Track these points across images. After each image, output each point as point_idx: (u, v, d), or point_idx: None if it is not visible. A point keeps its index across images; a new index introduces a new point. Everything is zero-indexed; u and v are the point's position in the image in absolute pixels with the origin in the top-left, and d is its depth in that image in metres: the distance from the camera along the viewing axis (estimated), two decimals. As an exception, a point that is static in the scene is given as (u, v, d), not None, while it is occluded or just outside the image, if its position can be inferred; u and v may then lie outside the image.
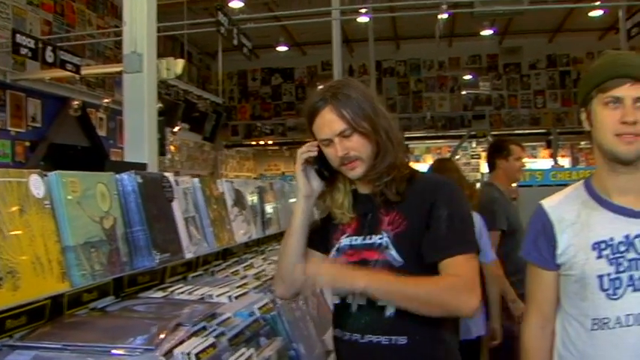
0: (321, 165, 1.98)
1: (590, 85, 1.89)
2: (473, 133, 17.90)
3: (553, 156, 17.81)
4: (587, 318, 1.90)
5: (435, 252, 1.80)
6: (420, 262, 1.82)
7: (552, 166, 14.29)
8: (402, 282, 1.80)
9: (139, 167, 2.77)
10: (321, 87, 1.98)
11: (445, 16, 10.08)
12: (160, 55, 5.47)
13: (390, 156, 1.87)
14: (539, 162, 18.67)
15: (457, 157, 18.91)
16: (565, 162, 19.31)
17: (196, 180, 2.97)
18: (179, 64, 5.47)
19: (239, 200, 3.46)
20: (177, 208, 2.62)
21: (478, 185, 7.55)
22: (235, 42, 8.43)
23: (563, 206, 1.99)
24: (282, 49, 18.67)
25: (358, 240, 1.94)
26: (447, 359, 1.90)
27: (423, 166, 13.81)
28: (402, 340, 1.81)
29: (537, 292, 2.06)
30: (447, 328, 1.88)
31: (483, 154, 21.13)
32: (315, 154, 1.96)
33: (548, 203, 2.03)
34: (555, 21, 17.89)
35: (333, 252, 2.01)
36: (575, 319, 1.95)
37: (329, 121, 1.88)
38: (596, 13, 16.10)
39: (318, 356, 2.55)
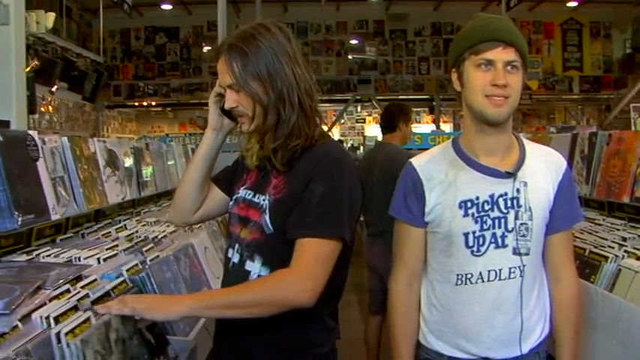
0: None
1: (463, 47, 1.93)
2: (358, 97, 18.10)
3: (435, 121, 18.33)
4: (452, 274, 1.98)
5: (293, 228, 1.71)
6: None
7: (432, 130, 14.68)
8: (226, 293, 1.79)
9: (2, 125, 2.64)
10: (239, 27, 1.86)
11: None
12: (34, 7, 5.19)
13: (286, 123, 1.77)
14: (423, 127, 19.17)
15: (342, 121, 19.13)
16: (447, 127, 19.90)
17: (65, 139, 2.85)
18: (50, 18, 5.21)
19: (112, 160, 3.36)
20: (43, 168, 2.52)
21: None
22: (115, -3, 8.11)
23: (431, 165, 2.04)
24: (166, 7, 18.17)
25: (250, 195, 1.89)
26: (304, 333, 1.82)
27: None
28: None
29: (405, 249, 2.11)
30: (314, 306, 1.73)
31: (368, 118, 21.58)
32: (222, 90, 1.89)
33: (418, 162, 2.07)
34: (441, -11, 18.29)
35: (232, 201, 1.98)
36: (441, 275, 2.02)
37: (221, 72, 1.82)
38: (480, -17, 16.57)
39: (191, 319, 2.53)
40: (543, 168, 1.99)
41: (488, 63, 1.87)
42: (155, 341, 2.02)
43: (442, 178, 2.00)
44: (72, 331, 1.65)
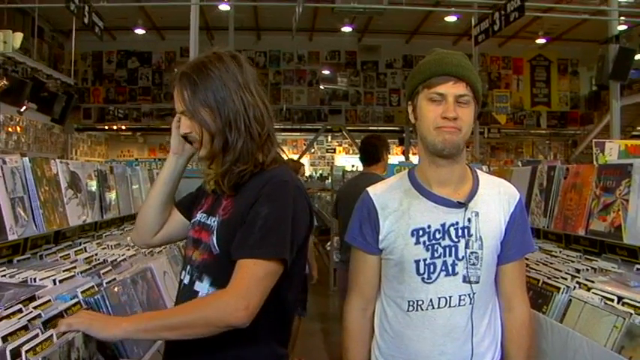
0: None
1: (417, 81, 1.99)
2: (329, 127, 18.20)
3: (405, 153, 18.46)
4: (404, 300, 2.01)
5: (235, 249, 1.73)
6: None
7: (400, 162, 14.78)
8: (162, 315, 1.85)
9: (-38, 144, 2.62)
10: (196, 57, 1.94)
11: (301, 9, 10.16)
12: (4, 27, 5.18)
13: (233, 149, 1.81)
14: (392, 158, 19.27)
15: (312, 150, 19.21)
16: (416, 159, 20.01)
17: (26, 159, 2.84)
18: (17, 38, 5.21)
19: (74, 182, 3.34)
20: (1, 187, 2.51)
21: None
22: (86, 20, 8.12)
23: (387, 194, 2.08)
24: (139, 32, 18.19)
25: (204, 218, 1.92)
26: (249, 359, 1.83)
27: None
28: None
29: (360, 276, 2.14)
30: (262, 327, 1.77)
31: (338, 148, 21.69)
32: None
33: (374, 191, 2.11)
34: (413, 23, 18.56)
35: (190, 225, 2.00)
36: (393, 300, 2.05)
37: (175, 99, 1.88)
38: (451, 18, 16.87)
39: (144, 342, 2.52)
40: (496, 199, 2.03)
41: (439, 96, 1.92)
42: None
43: (396, 206, 2.04)
44: (33, 348, 1.63)
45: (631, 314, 2.12)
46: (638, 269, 2.68)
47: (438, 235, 1.97)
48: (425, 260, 1.97)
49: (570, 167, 3.44)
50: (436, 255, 1.97)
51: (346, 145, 20.98)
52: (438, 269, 1.97)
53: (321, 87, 20.39)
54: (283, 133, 20.45)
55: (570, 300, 2.46)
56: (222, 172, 1.83)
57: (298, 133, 20.48)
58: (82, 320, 1.72)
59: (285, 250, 1.71)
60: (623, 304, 2.25)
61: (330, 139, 20.64)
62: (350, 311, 2.16)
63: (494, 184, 2.09)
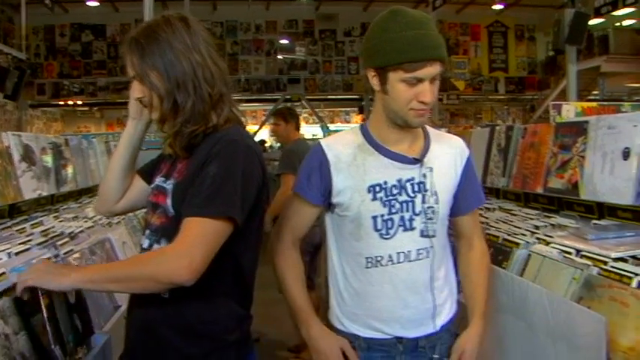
0: None
1: (391, 60, 1.92)
2: (288, 97, 18.11)
3: (364, 121, 18.46)
4: (362, 257, 2.03)
5: (184, 208, 1.72)
6: None
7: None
8: (109, 267, 1.91)
9: None
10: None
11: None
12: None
13: (182, 110, 1.80)
14: (353, 126, 19.31)
15: (271, 120, 19.12)
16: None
17: (-24, 133, 2.77)
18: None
19: (28, 155, 3.28)
20: (-50, 161, 2.44)
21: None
22: (36, -8, 7.90)
23: (340, 147, 2.08)
24: (92, 4, 17.78)
25: (161, 182, 1.91)
26: (211, 321, 1.81)
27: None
28: (165, 293, 1.76)
29: (295, 217, 2.18)
30: (219, 290, 1.81)
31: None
32: None
33: (327, 143, 2.12)
34: (371, -10, 18.49)
35: (150, 190, 2.00)
36: (352, 258, 2.07)
37: (126, 64, 1.88)
38: (409, -16, 16.86)
39: (106, 310, 2.50)
40: (448, 154, 2.08)
41: (415, 79, 1.89)
42: (82, 328, 2.04)
43: (350, 160, 2.04)
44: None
45: (588, 266, 2.16)
46: (595, 224, 2.71)
47: (395, 191, 2.00)
48: (382, 216, 1.99)
49: (528, 127, 3.47)
50: (393, 211, 1.99)
51: (306, 115, 20.90)
52: (396, 225, 1.99)
53: (279, 57, 20.23)
54: (243, 104, 19.86)
55: (530, 255, 2.49)
56: (174, 133, 1.83)
57: (257, 104, 20.32)
58: (33, 276, 1.73)
59: (233, 209, 1.70)
60: (582, 256, 2.29)
61: (289, 109, 20.55)
62: (282, 243, 2.18)
63: (444, 140, 2.13)
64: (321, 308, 2.16)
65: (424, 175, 2.00)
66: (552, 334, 2.04)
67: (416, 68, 1.88)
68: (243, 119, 1.97)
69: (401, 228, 1.99)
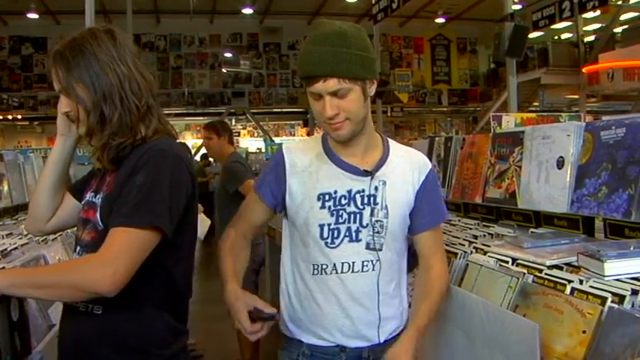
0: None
1: (299, 73, 1.97)
2: (232, 110, 18.07)
3: (310, 134, 18.55)
4: (309, 263, 2.03)
5: (110, 219, 1.70)
6: None
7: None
8: (33, 272, 1.89)
9: None
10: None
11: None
12: None
13: (109, 122, 1.78)
14: (297, 140, 19.37)
15: (203, 134, 19.03)
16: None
17: None
18: None
19: (-41, 170, 3.18)
20: None
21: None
22: (-29, 4, 7.72)
23: (298, 153, 2.09)
24: (33, 16, 17.52)
25: (91, 197, 1.88)
26: (146, 336, 1.79)
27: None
28: (98, 309, 1.75)
29: (249, 213, 2.18)
30: (152, 303, 1.79)
31: (243, 131, 21.58)
32: None
33: (288, 147, 2.14)
34: (315, 4, 18.61)
35: (80, 207, 1.96)
36: (302, 263, 2.07)
37: (52, 78, 1.85)
38: (353, -2, 17.02)
39: (40, 329, 2.43)
40: (406, 168, 2.06)
41: (317, 95, 1.91)
42: (21, 347, 1.99)
43: (305, 166, 2.05)
44: None
45: (524, 274, 2.18)
46: (532, 232, 2.75)
47: (343, 201, 2.00)
48: (329, 225, 1.99)
49: (466, 137, 3.50)
50: (340, 220, 1.99)
51: (250, 129, 20.88)
52: (342, 235, 1.99)
53: (224, 70, 20.21)
54: (187, 118, 20.21)
55: (467, 264, 2.51)
56: (101, 146, 1.80)
57: (202, 118, 20.20)
58: None
59: (159, 219, 1.67)
60: (517, 264, 2.31)
61: (234, 123, 20.48)
62: (233, 230, 2.17)
63: (405, 154, 2.11)
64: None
65: (375, 188, 2.00)
66: (489, 343, 2.05)
67: (310, 83, 1.90)
68: (173, 131, 1.95)
69: (347, 239, 1.99)
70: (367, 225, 1.99)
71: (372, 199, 2.00)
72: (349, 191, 2.00)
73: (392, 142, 2.14)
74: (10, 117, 19.27)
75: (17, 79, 19.20)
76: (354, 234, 1.99)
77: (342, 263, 1.99)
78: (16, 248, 2.97)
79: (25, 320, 2.06)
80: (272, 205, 2.10)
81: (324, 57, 1.86)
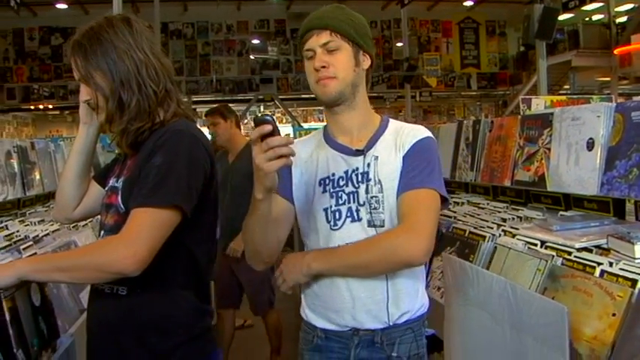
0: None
1: (299, 45, 2.05)
2: (260, 97, 18.09)
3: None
4: (319, 247, 2.03)
5: (130, 201, 1.73)
6: None
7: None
8: (55, 257, 1.95)
9: None
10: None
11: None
12: None
13: (127, 107, 1.82)
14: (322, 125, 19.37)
15: (245, 121, 19.10)
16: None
17: (-64, 136, 2.73)
18: None
19: (-9, 159, 3.23)
20: None
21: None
22: (1, -6, 7.81)
23: (302, 146, 2.12)
24: (61, 6, 17.68)
25: (114, 182, 1.92)
26: (172, 315, 1.81)
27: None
28: (123, 290, 1.79)
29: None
30: (175, 283, 1.82)
31: (272, 118, 21.58)
32: None
33: (295, 142, 2.12)
34: (341, -12, 18.50)
35: (104, 193, 1.99)
36: (312, 248, 2.09)
37: (72, 68, 1.89)
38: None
39: (72, 314, 2.47)
40: (396, 141, 2.02)
41: (311, 52, 1.97)
42: (47, 331, 2.02)
43: (307, 157, 2.09)
44: None
45: (553, 256, 2.17)
46: (561, 215, 2.73)
47: (341, 183, 2.01)
48: (331, 207, 2.01)
49: (495, 120, 3.48)
50: (340, 202, 2.00)
51: (279, 115, 20.90)
52: (344, 216, 2.00)
53: (251, 57, 20.24)
54: (215, 105, 20.20)
55: (495, 247, 2.50)
56: (120, 131, 1.84)
57: (230, 105, 20.30)
58: None
59: (179, 198, 1.70)
60: (546, 247, 2.30)
61: (262, 109, 20.52)
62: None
63: (399, 130, 2.07)
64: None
65: (368, 165, 1.99)
66: (517, 326, 2.04)
67: (305, 40, 1.98)
68: (192, 115, 1.99)
69: (349, 219, 1.99)
70: (364, 203, 1.98)
71: (365, 176, 1.99)
72: (346, 172, 2.01)
73: (393, 122, 2.12)
74: (41, 107, 19.50)
75: (47, 69, 19.40)
76: (355, 214, 1.99)
77: (347, 244, 1.97)
78: (47, 234, 3.03)
79: (48, 305, 2.09)
80: (288, 197, 2.07)
81: (321, 15, 1.98)
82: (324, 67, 1.93)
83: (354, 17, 2.01)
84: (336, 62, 1.94)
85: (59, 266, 1.70)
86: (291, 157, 1.90)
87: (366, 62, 2.03)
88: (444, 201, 1.99)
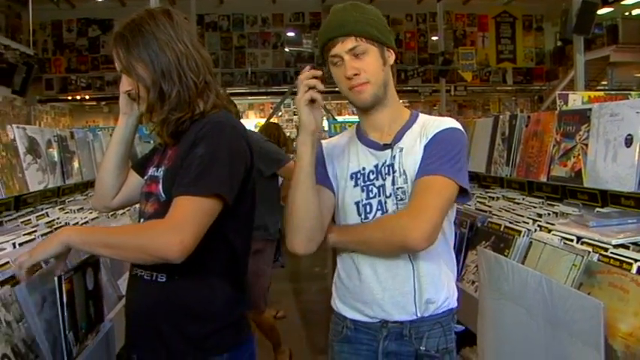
0: None
1: (320, 49, 2.06)
2: (295, 89, 18.08)
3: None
4: None
5: (174, 190, 1.76)
6: None
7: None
8: (104, 232, 2.00)
9: None
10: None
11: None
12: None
13: (168, 98, 1.86)
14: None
15: (280, 113, 19.14)
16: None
17: (-20, 126, 2.80)
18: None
19: (33, 148, 3.30)
20: (-45, 153, 2.46)
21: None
22: (42, -13, 7.92)
23: (334, 143, 2.19)
24: (99, -2, 17.88)
25: (153, 171, 1.96)
26: (209, 303, 1.86)
27: (245, 122, 13.80)
28: (162, 277, 1.83)
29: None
30: (213, 272, 1.86)
31: (306, 111, 21.62)
32: None
33: (327, 141, 2.23)
34: (376, -18, 18.44)
35: (144, 182, 2.04)
36: None
37: (114, 59, 1.93)
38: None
39: (111, 300, 2.53)
40: (421, 132, 2.03)
41: (338, 59, 1.97)
42: (95, 315, 2.09)
43: (339, 153, 2.13)
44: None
45: (589, 252, 2.16)
46: (598, 211, 2.71)
47: (372, 176, 2.05)
48: (362, 201, 2.05)
49: (532, 115, 3.46)
50: (371, 195, 2.04)
51: (314, 108, 20.95)
52: (374, 209, 2.03)
53: (286, 49, 20.27)
54: (250, 97, 20.36)
55: (531, 242, 2.49)
56: (161, 121, 1.88)
57: (265, 97, 20.39)
58: (24, 256, 1.77)
59: (221, 187, 1.74)
60: (582, 243, 2.29)
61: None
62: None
63: (427, 122, 2.06)
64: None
65: (394, 157, 2.02)
66: (552, 320, 2.04)
67: (330, 47, 1.98)
68: (231, 107, 2.03)
69: (379, 212, 2.02)
70: (390, 195, 2.00)
71: (391, 168, 2.02)
72: (376, 166, 2.04)
73: (423, 115, 2.12)
74: (78, 97, 19.75)
75: (85, 60, 19.63)
76: (384, 206, 2.01)
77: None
78: (86, 222, 3.09)
79: (99, 290, 2.14)
80: (330, 186, 2.11)
81: (342, 21, 1.98)
82: (356, 74, 1.94)
83: (371, 14, 2.03)
84: (366, 67, 1.96)
85: (107, 242, 1.74)
86: (326, 156, 1.96)
87: (391, 57, 2.05)
88: (465, 194, 1.98)
